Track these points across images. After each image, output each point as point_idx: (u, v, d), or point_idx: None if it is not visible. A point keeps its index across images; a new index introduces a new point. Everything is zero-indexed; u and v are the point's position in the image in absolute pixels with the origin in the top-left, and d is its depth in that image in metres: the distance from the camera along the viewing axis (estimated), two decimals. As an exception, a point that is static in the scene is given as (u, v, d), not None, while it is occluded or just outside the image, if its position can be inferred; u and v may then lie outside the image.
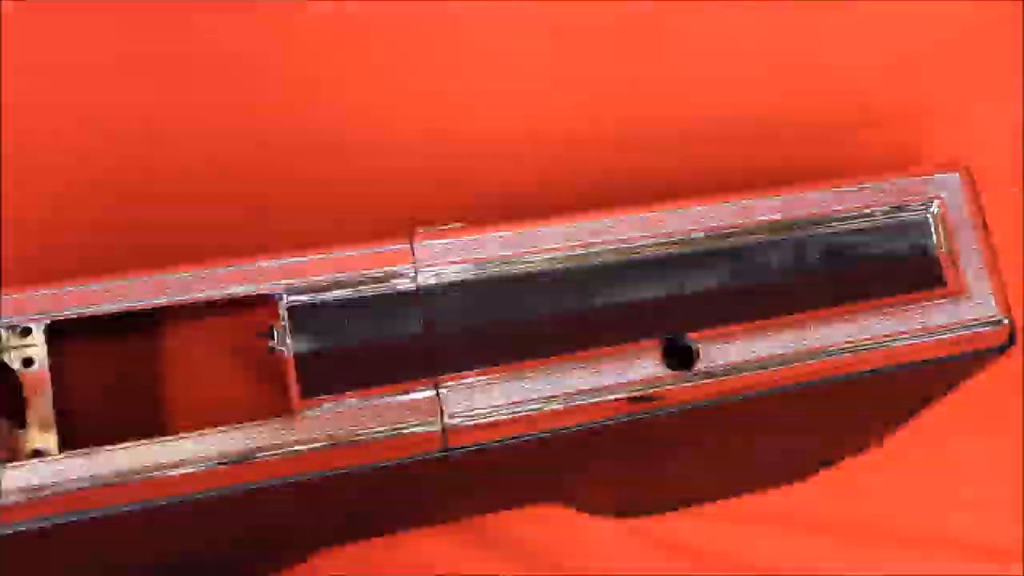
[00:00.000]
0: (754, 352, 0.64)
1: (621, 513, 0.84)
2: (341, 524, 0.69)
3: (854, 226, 0.66)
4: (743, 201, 0.65)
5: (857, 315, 0.65)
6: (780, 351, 0.64)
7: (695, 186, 0.66)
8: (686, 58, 0.78)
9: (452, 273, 0.63)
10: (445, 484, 0.67)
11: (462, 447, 0.62)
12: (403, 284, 0.63)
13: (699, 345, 0.63)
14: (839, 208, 0.66)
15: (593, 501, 0.81)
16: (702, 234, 0.64)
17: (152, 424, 0.68)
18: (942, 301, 0.66)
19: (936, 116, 0.85)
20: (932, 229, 0.67)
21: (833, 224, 0.66)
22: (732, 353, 0.63)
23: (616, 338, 0.63)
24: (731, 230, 0.65)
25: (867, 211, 0.66)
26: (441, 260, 0.63)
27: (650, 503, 0.85)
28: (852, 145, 0.83)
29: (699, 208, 0.64)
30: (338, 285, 0.62)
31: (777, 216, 0.65)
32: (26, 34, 0.72)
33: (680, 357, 0.63)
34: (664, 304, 0.63)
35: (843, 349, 0.64)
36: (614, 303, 0.63)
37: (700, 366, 0.63)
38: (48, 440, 0.63)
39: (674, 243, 0.64)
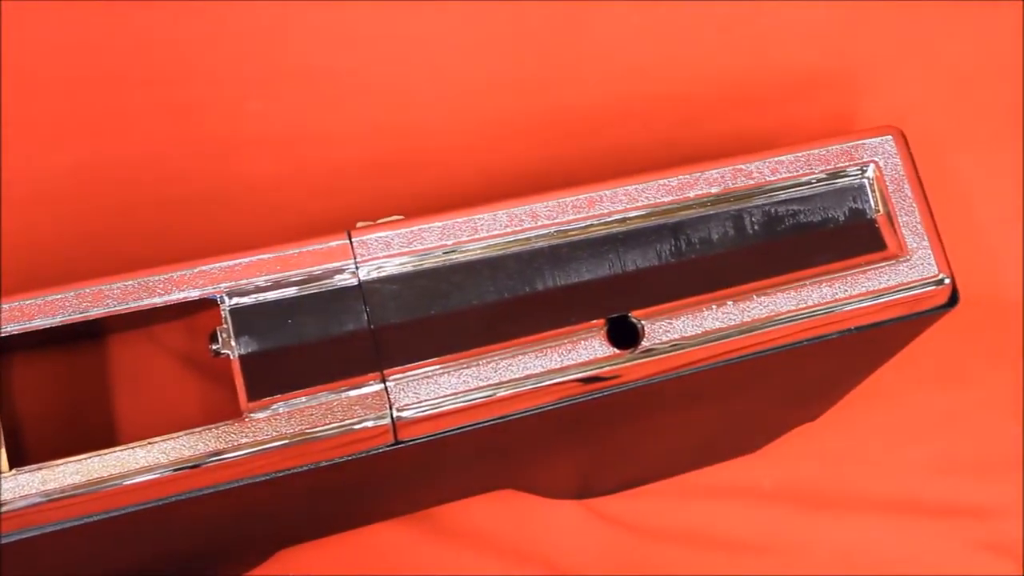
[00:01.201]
0: (699, 327, 0.64)
1: (579, 495, 0.84)
2: (300, 521, 0.69)
3: (792, 195, 0.66)
4: (679, 176, 0.65)
5: (800, 284, 0.65)
6: (725, 324, 0.64)
7: (631, 164, 0.66)
8: (615, 34, 0.78)
9: (393, 266, 0.63)
10: (400, 476, 0.67)
11: (413, 439, 0.62)
12: (345, 280, 0.63)
13: (643, 323, 0.63)
14: (776, 178, 0.66)
15: (551, 485, 0.81)
16: (640, 212, 0.64)
17: (104, 436, 0.68)
18: (883, 264, 0.66)
19: (868, 81, 0.85)
20: (869, 193, 0.67)
21: (771, 194, 0.66)
22: (677, 329, 0.64)
23: (560, 321, 0.63)
24: (669, 206, 0.65)
25: (804, 179, 0.67)
26: (381, 253, 0.63)
27: (607, 483, 0.85)
28: (786, 114, 0.83)
29: (636, 186, 0.64)
30: (280, 285, 0.62)
31: (714, 189, 0.65)
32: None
33: (625, 336, 0.63)
34: (606, 284, 0.64)
35: (788, 318, 0.65)
36: (556, 286, 0.63)
37: (645, 344, 0.63)
38: (-3, 458, 0.62)
39: (613, 222, 0.64)
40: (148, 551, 0.67)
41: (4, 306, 0.62)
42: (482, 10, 0.76)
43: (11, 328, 0.62)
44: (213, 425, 0.60)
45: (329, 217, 0.67)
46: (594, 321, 0.63)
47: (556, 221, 0.64)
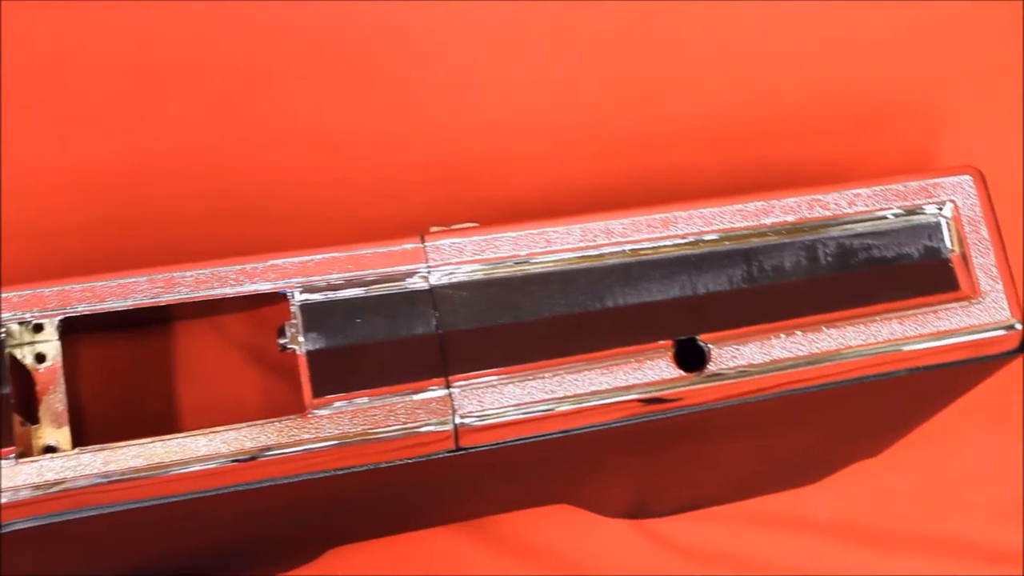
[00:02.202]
0: (767, 355, 0.63)
1: (633, 515, 0.84)
2: (354, 522, 0.69)
3: (867, 229, 0.66)
4: (756, 203, 0.65)
5: (869, 319, 0.65)
6: (792, 354, 0.64)
7: (709, 187, 0.66)
8: (698, 56, 0.78)
9: (464, 273, 0.63)
10: (457, 483, 0.67)
11: (474, 447, 0.62)
12: (415, 283, 0.63)
13: (711, 347, 0.63)
14: (852, 210, 0.66)
15: (606, 503, 0.81)
16: (715, 235, 0.64)
17: (164, 421, 0.68)
18: (955, 305, 0.66)
19: (948, 117, 0.85)
20: (945, 232, 0.67)
21: (846, 226, 0.66)
22: (744, 355, 0.63)
23: (628, 339, 0.63)
24: (743, 231, 0.64)
25: (880, 214, 0.66)
26: (454, 260, 0.63)
27: (662, 505, 0.85)
28: (865, 146, 0.82)
29: (711, 209, 0.64)
30: (351, 284, 0.62)
31: (790, 218, 0.65)
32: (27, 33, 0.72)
33: (692, 359, 0.63)
34: (676, 305, 0.63)
35: (855, 353, 0.64)
36: (626, 304, 0.63)
37: (712, 368, 0.63)
38: (60, 436, 0.63)
39: (686, 244, 0.64)
40: (200, 540, 0.67)
41: (77, 286, 0.62)
42: (561, 20, 0.76)
43: (82, 308, 0.62)
44: (276, 419, 0.61)
45: (397, 221, 0.67)
46: (662, 342, 0.63)
47: (630, 239, 0.64)
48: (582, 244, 0.63)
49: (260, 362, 0.70)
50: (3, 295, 0.62)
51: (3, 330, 0.62)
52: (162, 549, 0.67)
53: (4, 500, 0.60)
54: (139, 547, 0.66)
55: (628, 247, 0.64)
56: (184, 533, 0.65)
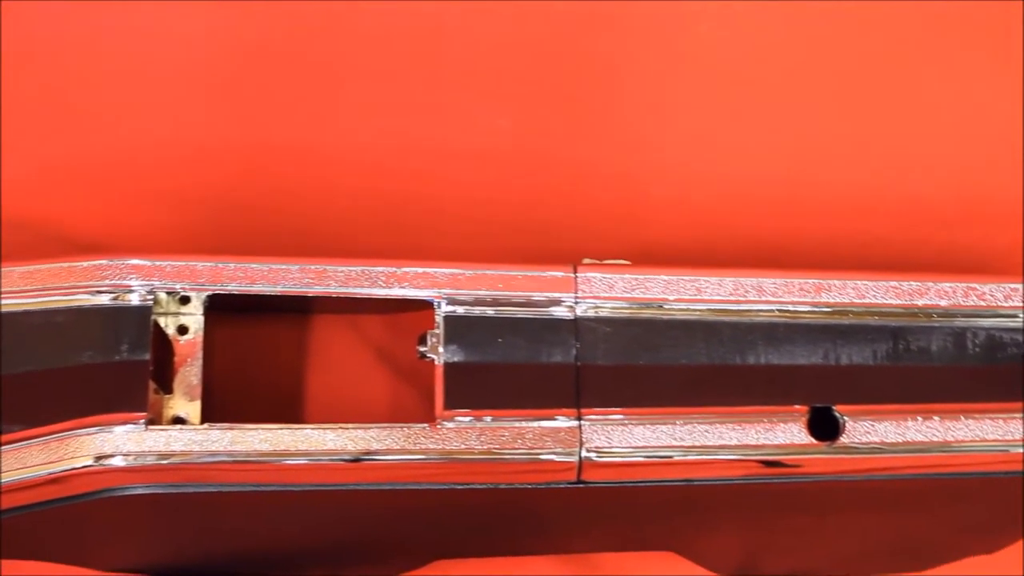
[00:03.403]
0: (901, 435, 0.63)
1: (739, 573, 0.83)
2: (462, 538, 0.69)
3: (1020, 324, 0.65)
4: (912, 282, 0.64)
5: (1009, 415, 0.64)
6: (926, 438, 0.63)
7: (865, 258, 0.66)
8: (884, 130, 0.78)
9: (610, 308, 0.63)
10: (569, 515, 0.67)
11: (595, 482, 0.62)
12: (561, 312, 0.63)
13: (846, 419, 0.63)
14: (1008, 304, 0.65)
15: (714, 556, 0.80)
16: (866, 308, 0.64)
17: (288, 409, 0.69)
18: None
19: None
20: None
21: (999, 319, 0.65)
22: (878, 432, 0.63)
23: (764, 399, 0.62)
24: (895, 309, 0.64)
25: (1035, 311, 0.65)
26: (603, 294, 0.63)
27: (770, 568, 0.84)
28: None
29: (866, 282, 0.64)
30: (497, 302, 0.63)
31: (943, 302, 0.64)
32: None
33: (826, 428, 0.63)
34: (816, 372, 0.63)
35: (991, 447, 0.63)
36: (766, 363, 0.63)
37: (844, 440, 0.63)
38: (190, 409, 0.63)
39: (835, 313, 0.64)
40: (305, 535, 0.68)
41: (231, 264, 0.63)
42: (755, 80, 0.77)
43: (232, 287, 0.63)
44: (405, 424, 0.61)
45: (550, 247, 0.67)
46: (797, 406, 0.63)
47: (780, 299, 0.63)
48: (732, 297, 0.63)
49: (391, 366, 0.71)
50: (157, 263, 0.63)
51: (151, 297, 0.63)
52: (267, 537, 0.68)
53: (125, 463, 0.60)
54: (245, 532, 0.67)
55: (777, 307, 0.63)
56: (291, 524, 0.66)
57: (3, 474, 0.61)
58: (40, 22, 0.73)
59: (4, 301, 0.63)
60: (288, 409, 0.69)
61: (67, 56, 0.74)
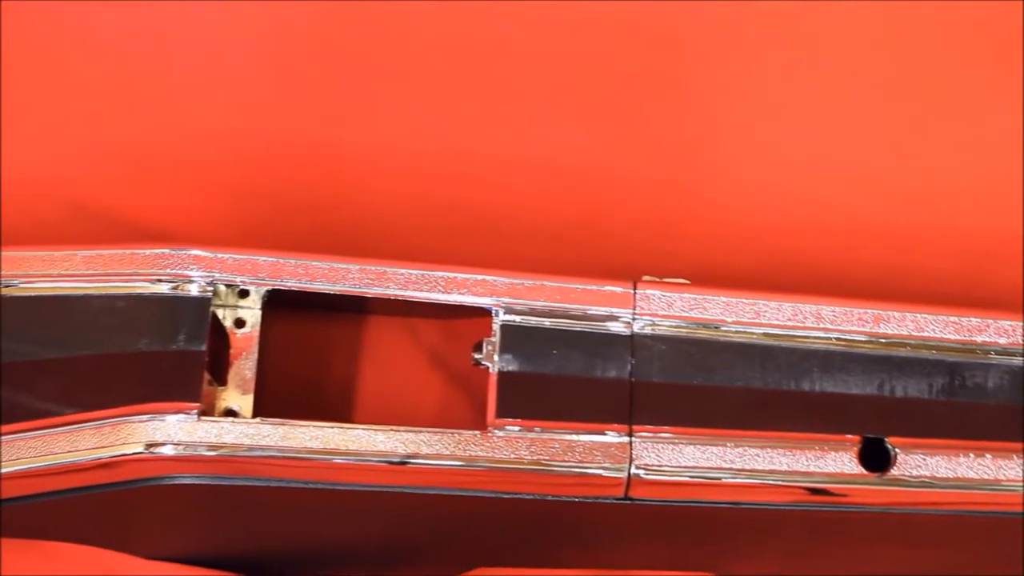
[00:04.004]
0: (952, 471, 0.63)
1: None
2: (502, 546, 0.69)
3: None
4: (972, 319, 0.64)
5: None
6: (977, 475, 0.63)
7: (927, 292, 0.65)
8: (963, 166, 0.78)
9: (668, 326, 0.63)
10: (611, 531, 0.67)
11: (642, 499, 0.62)
12: (618, 328, 0.63)
13: (898, 451, 0.62)
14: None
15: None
16: (923, 342, 0.64)
17: (338, 408, 0.69)
18: None
19: None
20: None
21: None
22: (929, 466, 0.62)
23: (816, 426, 0.62)
24: (954, 344, 0.64)
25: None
26: (661, 312, 0.63)
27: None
28: None
29: (926, 316, 0.64)
30: (554, 314, 0.63)
31: (1003, 340, 0.64)
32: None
33: (877, 459, 0.62)
34: (870, 403, 0.63)
35: (1047, 487, 0.63)
36: (821, 391, 0.63)
37: (895, 472, 0.62)
38: (243, 403, 0.63)
39: (893, 344, 0.64)
40: (351, 533, 0.68)
41: (291, 261, 0.64)
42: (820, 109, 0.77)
43: (291, 283, 0.64)
44: (455, 430, 0.61)
45: (609, 261, 0.67)
46: (849, 436, 0.62)
47: (838, 328, 0.63)
48: (790, 323, 0.63)
49: (442, 371, 0.71)
50: (219, 255, 0.63)
51: (211, 288, 0.63)
52: (309, 534, 0.68)
53: (175, 452, 0.61)
54: (288, 528, 0.67)
55: (835, 335, 0.63)
56: (337, 522, 0.66)
57: (54, 456, 0.61)
58: (116, 13, 0.74)
59: (65, 284, 0.64)
60: (338, 408, 0.69)
61: (141, 46, 0.75)
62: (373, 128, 0.75)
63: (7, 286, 0.65)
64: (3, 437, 0.62)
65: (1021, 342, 0.64)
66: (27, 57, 0.75)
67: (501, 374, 0.62)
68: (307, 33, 0.74)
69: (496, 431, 0.61)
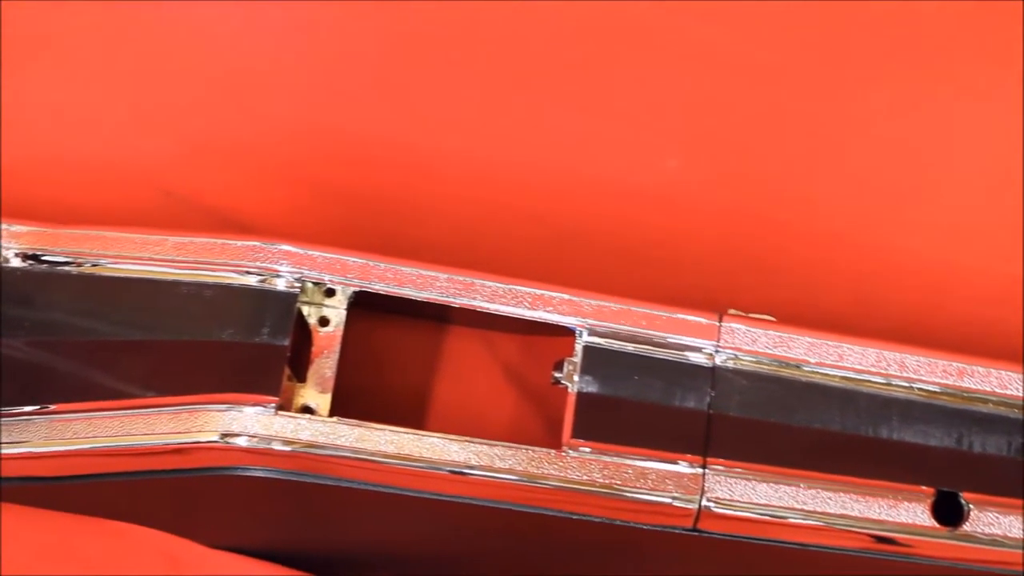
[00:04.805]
0: (1025, 531, 0.62)
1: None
2: (564, 565, 0.69)
3: None
4: (1056, 380, 0.63)
5: None
6: (1051, 539, 0.62)
7: (1013, 349, 0.65)
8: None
9: (750, 362, 0.63)
10: (674, 561, 0.66)
11: (710, 532, 0.62)
12: (700, 359, 0.63)
13: (972, 507, 0.62)
14: None
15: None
16: (1006, 400, 0.63)
17: (411, 415, 0.69)
18: None
19: None
20: None
21: None
22: (1003, 525, 0.62)
23: (891, 474, 0.62)
24: (1035, 404, 0.63)
25: None
26: (744, 347, 0.63)
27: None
28: None
29: (1011, 374, 0.63)
30: (638, 339, 0.63)
31: (1087, 405, 0.64)
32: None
33: (950, 513, 0.62)
34: (947, 456, 0.62)
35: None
36: (899, 440, 0.62)
37: (967, 527, 0.62)
38: (320, 401, 0.64)
39: (975, 399, 0.63)
40: (414, 539, 0.68)
41: (381, 264, 0.64)
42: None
43: (378, 286, 0.64)
44: (530, 447, 0.61)
45: (696, 292, 0.67)
46: (924, 487, 0.62)
47: (921, 378, 0.63)
48: (873, 369, 0.63)
49: (520, 387, 0.71)
50: (309, 252, 0.64)
51: (299, 284, 0.63)
52: (373, 537, 0.68)
53: (249, 444, 0.61)
54: (353, 529, 0.67)
55: (917, 385, 0.63)
56: (402, 527, 0.66)
57: (131, 437, 0.62)
58: (217, 11, 0.75)
59: (155, 268, 0.64)
60: (412, 414, 0.69)
61: (237, 44, 0.76)
62: (467, 138, 0.76)
63: (94, 264, 0.65)
64: (83, 415, 0.62)
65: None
66: (128, 52, 0.76)
67: (580, 395, 0.62)
68: (405, 34, 0.75)
69: (571, 451, 0.61)
